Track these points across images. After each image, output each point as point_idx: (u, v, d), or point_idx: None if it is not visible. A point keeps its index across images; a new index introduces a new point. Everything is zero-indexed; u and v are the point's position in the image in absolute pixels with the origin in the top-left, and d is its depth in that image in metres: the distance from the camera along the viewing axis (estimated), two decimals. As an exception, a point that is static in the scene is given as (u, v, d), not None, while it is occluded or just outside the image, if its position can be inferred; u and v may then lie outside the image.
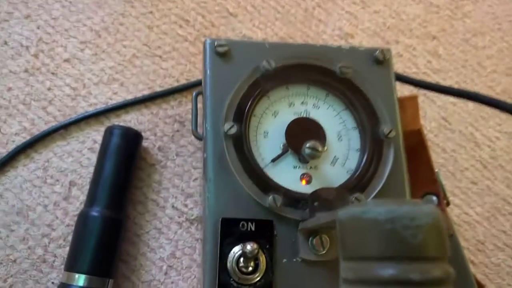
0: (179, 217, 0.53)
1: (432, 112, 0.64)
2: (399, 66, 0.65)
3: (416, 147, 0.53)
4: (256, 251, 0.31)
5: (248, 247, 0.31)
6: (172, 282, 0.51)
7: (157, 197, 0.53)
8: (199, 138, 0.39)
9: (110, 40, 0.59)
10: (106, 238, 0.47)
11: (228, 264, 0.34)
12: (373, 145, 0.39)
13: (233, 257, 0.34)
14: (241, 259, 0.33)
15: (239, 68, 0.39)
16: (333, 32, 0.65)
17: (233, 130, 0.36)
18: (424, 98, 0.64)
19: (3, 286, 0.48)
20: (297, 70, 0.40)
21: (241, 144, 0.37)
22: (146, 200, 0.53)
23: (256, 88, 0.39)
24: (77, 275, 0.45)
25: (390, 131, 0.39)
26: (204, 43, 0.40)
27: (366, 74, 0.41)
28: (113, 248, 0.47)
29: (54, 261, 0.50)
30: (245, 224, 0.35)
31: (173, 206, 0.53)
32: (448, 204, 0.55)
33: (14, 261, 0.49)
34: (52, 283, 0.49)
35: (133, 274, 0.50)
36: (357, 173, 0.38)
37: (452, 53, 0.67)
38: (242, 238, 0.34)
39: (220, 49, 0.39)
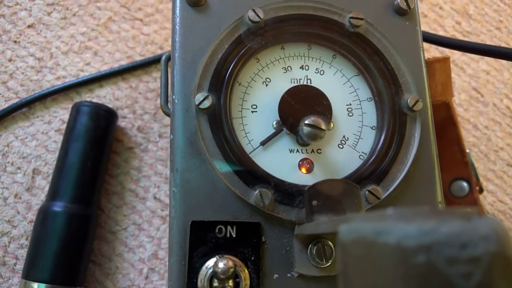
0: (162, 210, 0.45)
1: (462, 82, 0.55)
2: (423, 28, 0.55)
3: (444, 123, 0.45)
4: (232, 270, 0.22)
5: (220, 265, 0.22)
6: None
7: (136, 187, 0.45)
8: (168, 114, 0.30)
9: (82, 1, 0.50)
10: (72, 239, 0.39)
11: (199, 284, 0.25)
12: (394, 120, 0.30)
13: (206, 274, 0.25)
14: (215, 278, 0.25)
15: (218, 21, 0.30)
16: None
17: (208, 103, 0.27)
18: (452, 65, 0.55)
19: (-42, 293, 0.41)
20: (294, 24, 0.31)
21: (219, 121, 0.28)
22: (123, 191, 0.45)
23: (240, 48, 0.29)
24: (35, 285, 0.38)
25: (417, 102, 0.30)
26: (173, -10, 0.31)
27: (384, 28, 0.31)
28: (80, 251, 0.40)
29: (15, 264, 0.42)
30: (223, 229, 0.26)
31: (155, 197, 0.45)
32: (481, 191, 0.47)
33: (-29, 263, 0.42)
34: (14, 289, 0.42)
35: (107, 279, 0.42)
36: (373, 158, 0.29)
37: (485, 13, 0.58)
38: (219, 248, 0.26)
39: (193, -4, 0.29)
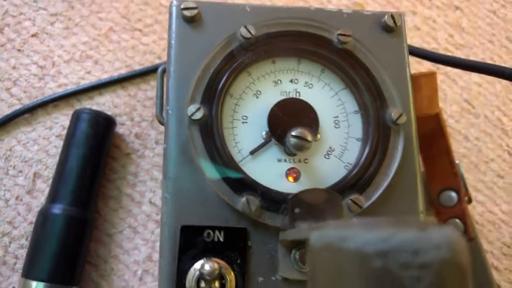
0: (157, 214, 0.46)
1: (454, 94, 0.56)
2: (416, 41, 0.57)
3: (434, 135, 0.46)
4: (217, 272, 0.24)
5: (206, 267, 0.24)
6: (148, 289, 0.44)
7: (132, 191, 0.46)
8: (163, 124, 0.32)
9: (84, 12, 0.52)
10: (69, 240, 0.41)
11: (187, 284, 0.26)
12: (378, 133, 0.31)
13: (193, 276, 0.26)
14: (202, 280, 0.26)
15: (211, 37, 0.31)
16: (340, 2, 0.57)
17: (199, 115, 0.29)
18: (445, 77, 0.56)
19: (-40, 290, 0.43)
20: (284, 39, 0.32)
21: (210, 132, 0.29)
22: (120, 195, 0.46)
23: (232, 62, 0.31)
24: (34, 283, 0.39)
25: (400, 116, 0.31)
26: (170, 6, 0.32)
27: (371, 44, 0.33)
28: (77, 251, 0.41)
29: (15, 264, 0.44)
30: (211, 233, 0.28)
31: (150, 202, 0.46)
32: (470, 201, 0.49)
33: (-28, 262, 0.43)
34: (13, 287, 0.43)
35: (103, 280, 0.44)
36: (357, 169, 0.31)
37: (477, 26, 0.59)
38: (207, 251, 0.27)
39: (188, 13, 0.31)
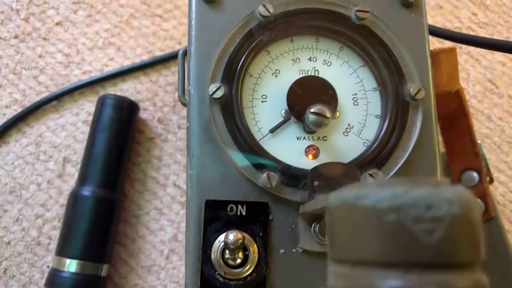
0: (181, 196, 0.47)
1: (477, 73, 0.55)
2: (438, 19, 0.56)
3: (455, 114, 0.46)
4: (241, 241, 0.25)
5: (231, 237, 0.25)
6: (174, 268, 0.45)
7: (157, 174, 0.48)
8: (185, 104, 0.32)
9: (105, -1, 0.53)
10: (99, 220, 0.43)
11: (213, 256, 0.27)
12: (397, 108, 0.31)
13: (218, 247, 0.27)
14: (227, 250, 0.27)
15: (231, 16, 0.32)
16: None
17: (220, 93, 0.30)
18: (467, 57, 0.56)
19: (-2, 269, 0.45)
20: (302, 17, 0.32)
21: (231, 110, 0.30)
22: (145, 178, 0.48)
23: (251, 41, 0.31)
24: (68, 261, 0.41)
25: (419, 91, 0.31)
26: (189, -13, 0.33)
27: (390, 20, 0.33)
28: (107, 231, 0.43)
29: (49, 244, 0.46)
30: (234, 208, 0.29)
31: (174, 184, 0.48)
32: (491, 181, 0.48)
33: (8, 243, 0.46)
34: (48, 266, 0.45)
35: (131, 258, 0.45)
36: (375, 144, 0.31)
37: (502, 3, 0.58)
38: (230, 224, 0.28)
39: (207, -7, 0.32)
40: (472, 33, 0.57)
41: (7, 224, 0.46)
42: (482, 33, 0.57)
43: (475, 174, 0.47)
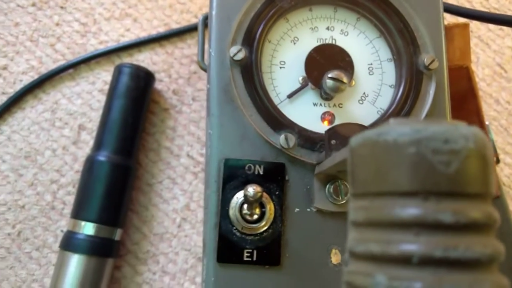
0: (194, 166, 0.48)
1: (486, 57, 0.56)
2: (450, 2, 0.56)
3: (465, 94, 0.46)
4: (260, 194, 0.26)
5: (250, 189, 0.26)
6: (185, 236, 0.47)
7: (171, 145, 0.49)
8: (205, 69, 0.33)
9: (123, -29, 0.54)
10: (114, 185, 0.44)
11: (231, 211, 0.29)
12: (411, 77, 0.32)
13: (236, 203, 0.29)
14: (245, 206, 0.28)
15: (252, -17, 0.33)
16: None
17: (241, 55, 0.31)
18: (478, 41, 0.56)
19: (12, 232, 0.46)
20: (322, -13, 0.33)
21: (250, 74, 0.31)
22: (159, 148, 0.49)
23: (271, 7, 0.32)
24: (83, 223, 0.42)
25: (432, 61, 0.32)
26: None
27: (406, -7, 0.34)
28: (121, 196, 0.44)
29: (63, 209, 0.47)
30: (252, 167, 0.30)
31: (188, 155, 0.49)
32: (498, 162, 0.49)
33: (23, 206, 0.47)
34: (61, 231, 0.46)
35: (144, 225, 0.46)
36: (389, 112, 0.32)
37: (514, -12, 0.58)
38: (248, 183, 0.29)
39: (230, -41, 0.32)
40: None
41: (22, 188, 0.47)
42: (494, 17, 0.57)
43: (481, 155, 0.48)
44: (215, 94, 0.31)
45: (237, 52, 0.30)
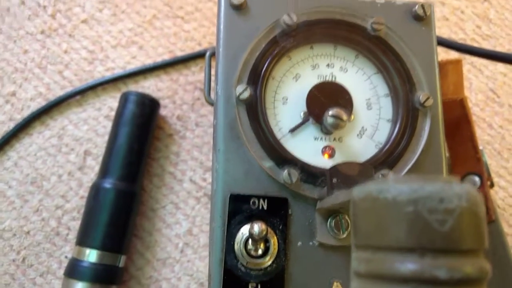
0: (197, 191, 0.50)
1: (479, 83, 0.57)
2: (444, 31, 0.59)
3: (459, 121, 0.48)
4: (265, 232, 0.27)
5: (255, 227, 0.27)
6: (188, 261, 0.48)
7: (174, 170, 0.50)
8: (211, 104, 0.35)
9: None
10: (120, 212, 0.45)
11: (236, 246, 0.30)
12: (407, 114, 0.34)
13: (241, 238, 0.30)
14: (249, 241, 0.30)
15: (257, 23, 0.34)
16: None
17: (246, 94, 0.32)
18: (470, 67, 0.58)
19: (17, 258, 0.47)
20: (322, 27, 0.35)
21: (255, 111, 0.33)
22: (163, 173, 0.50)
23: (275, 47, 0.34)
24: (88, 250, 0.43)
25: (427, 99, 0.34)
26: (219, -5, 0.35)
27: (402, 32, 0.35)
28: (126, 223, 0.45)
29: (67, 234, 0.48)
30: (256, 201, 0.31)
31: (191, 180, 0.50)
32: (492, 185, 0.51)
33: (28, 232, 0.48)
34: (66, 257, 0.47)
35: (147, 251, 0.48)
36: (387, 147, 0.33)
37: (505, 17, 0.60)
38: (252, 217, 0.30)
39: (236, 1, 0.34)
40: (476, 44, 0.59)
41: (27, 214, 0.48)
42: (486, 44, 0.59)
43: (476, 179, 0.49)
44: (221, 131, 0.32)
45: (243, 91, 0.32)
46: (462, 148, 0.50)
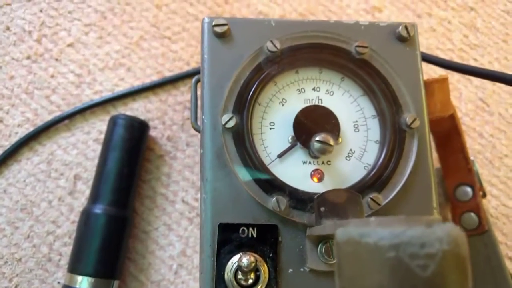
0: (189, 212, 0.49)
1: (469, 92, 0.58)
2: (432, 42, 0.59)
3: (449, 133, 0.48)
4: (254, 264, 0.27)
5: (244, 260, 0.27)
6: (182, 282, 0.47)
7: (166, 191, 0.50)
8: (198, 130, 0.35)
9: (116, 21, 0.55)
10: (111, 238, 0.44)
11: (226, 276, 0.30)
12: (394, 136, 0.34)
13: (231, 268, 0.30)
14: (239, 271, 0.30)
15: (241, 51, 0.34)
16: (358, 6, 0.59)
17: (232, 123, 0.32)
18: (459, 77, 0.58)
19: (9, 286, 0.47)
20: (307, 51, 0.35)
21: (241, 138, 0.33)
22: (155, 195, 0.50)
23: (260, 74, 0.34)
24: (80, 278, 0.42)
25: (414, 121, 0.34)
26: (202, 23, 0.35)
27: (387, 54, 0.36)
28: (118, 248, 0.45)
29: (59, 260, 0.47)
30: (246, 230, 0.31)
31: (183, 201, 0.50)
32: (484, 195, 0.51)
33: (19, 259, 0.47)
34: (58, 282, 0.47)
35: (141, 274, 0.47)
36: (375, 169, 0.33)
37: (492, 26, 0.60)
38: (242, 246, 0.30)
39: (219, 29, 0.34)
40: (464, 54, 0.59)
41: (18, 241, 0.48)
42: (473, 54, 0.59)
43: (468, 189, 0.49)
44: (208, 159, 0.32)
45: (229, 120, 0.32)
46: (453, 159, 0.50)
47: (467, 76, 0.59)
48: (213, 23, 0.34)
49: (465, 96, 0.58)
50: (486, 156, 0.56)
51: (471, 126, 0.57)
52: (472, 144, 0.56)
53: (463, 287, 0.16)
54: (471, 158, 0.50)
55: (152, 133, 0.51)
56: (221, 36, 0.34)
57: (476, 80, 0.58)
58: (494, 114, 0.57)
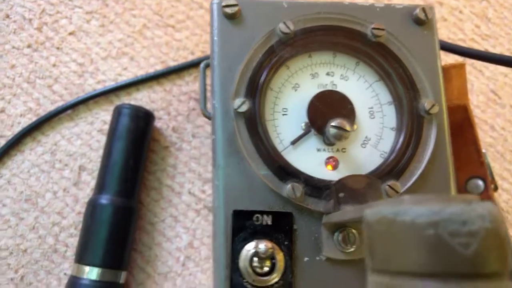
0: (196, 204, 0.48)
1: (480, 84, 0.57)
2: (443, 32, 0.58)
3: (461, 125, 0.47)
4: (271, 251, 0.26)
5: (261, 246, 0.26)
6: (190, 274, 0.46)
7: (172, 183, 0.49)
8: (208, 117, 0.34)
9: (118, 9, 0.54)
10: (118, 228, 0.43)
11: (241, 264, 0.29)
12: (412, 122, 0.33)
13: (246, 256, 0.29)
14: (255, 258, 0.28)
15: (252, 33, 0.33)
16: (367, -5, 0.58)
17: (245, 107, 0.31)
18: (471, 68, 0.57)
19: (15, 277, 0.46)
20: (321, 34, 0.34)
21: (254, 124, 0.31)
22: (161, 186, 0.49)
23: (272, 57, 0.33)
24: (87, 268, 0.42)
25: (433, 106, 0.33)
26: (211, 4, 0.34)
27: (404, 37, 0.34)
28: (126, 238, 0.44)
29: (65, 251, 0.46)
30: (260, 217, 0.30)
31: (189, 192, 0.49)
32: (496, 189, 0.50)
33: (25, 250, 0.46)
34: (65, 274, 0.46)
35: (148, 265, 0.46)
36: (392, 157, 0.32)
37: (504, 16, 0.59)
38: (257, 234, 0.29)
39: (229, 10, 0.33)
40: (475, 44, 0.58)
41: (23, 232, 0.47)
42: (485, 44, 0.58)
43: (480, 182, 0.48)
44: (220, 146, 0.31)
45: (241, 104, 0.31)
46: (465, 151, 0.49)
47: (478, 68, 0.58)
48: (223, 4, 0.33)
49: (477, 88, 0.57)
50: (497, 149, 0.55)
51: (482, 118, 0.56)
52: (484, 137, 0.55)
53: (504, 268, 0.15)
54: (483, 151, 0.49)
55: (157, 124, 0.50)
56: (231, 17, 0.33)
57: (487, 72, 0.57)
58: (506, 106, 0.56)
